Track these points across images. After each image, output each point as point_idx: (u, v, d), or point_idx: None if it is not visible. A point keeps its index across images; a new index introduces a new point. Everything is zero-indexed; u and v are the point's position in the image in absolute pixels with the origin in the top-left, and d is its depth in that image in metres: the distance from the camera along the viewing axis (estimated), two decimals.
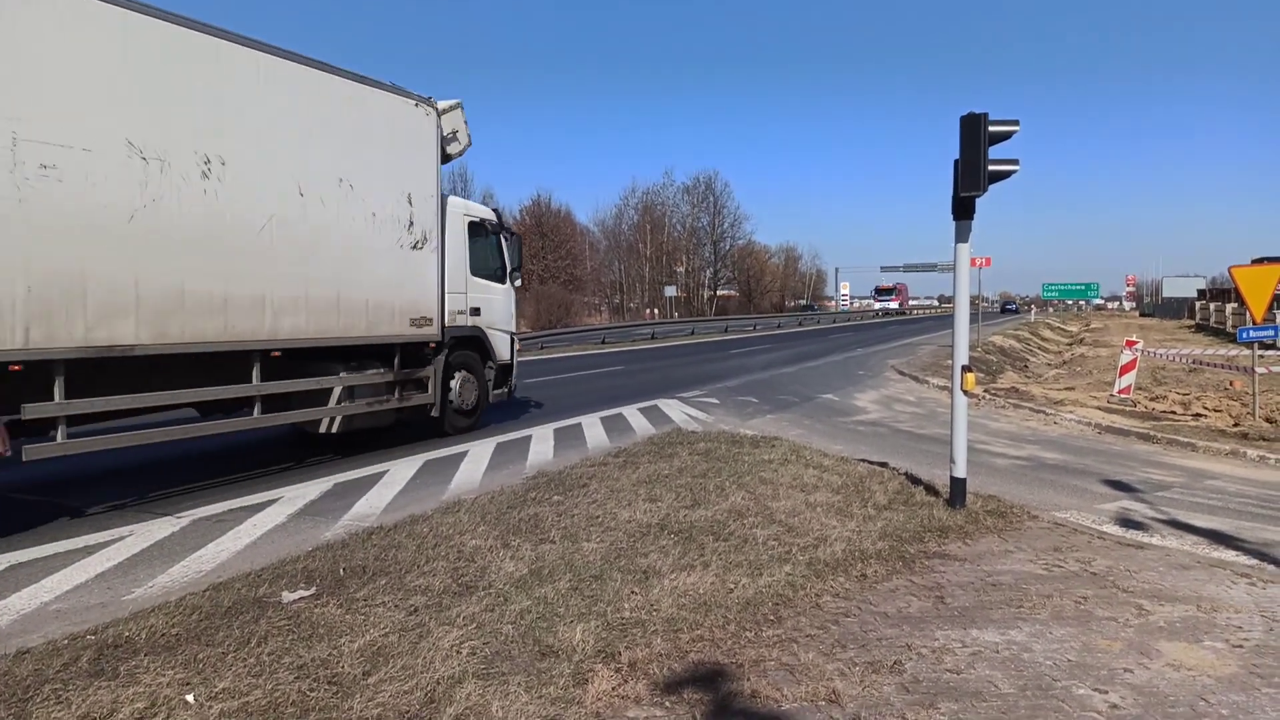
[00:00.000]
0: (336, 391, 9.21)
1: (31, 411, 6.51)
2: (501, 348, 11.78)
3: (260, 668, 3.90)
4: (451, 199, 10.94)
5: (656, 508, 6.79)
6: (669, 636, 4.33)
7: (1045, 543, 6.28)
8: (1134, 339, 15.91)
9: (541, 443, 10.42)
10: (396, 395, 9.97)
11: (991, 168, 6.64)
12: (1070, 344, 40.16)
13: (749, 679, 3.89)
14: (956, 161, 6.71)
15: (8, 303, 6.22)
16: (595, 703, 3.64)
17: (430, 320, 10.22)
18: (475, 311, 11.18)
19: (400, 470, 8.65)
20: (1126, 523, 7.08)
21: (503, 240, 11.98)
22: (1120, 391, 15.01)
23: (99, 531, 6.36)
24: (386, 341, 9.68)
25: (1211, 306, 45.05)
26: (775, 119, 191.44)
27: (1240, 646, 4.40)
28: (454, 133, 10.71)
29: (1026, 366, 27.06)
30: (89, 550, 5.90)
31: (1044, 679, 3.96)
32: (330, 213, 8.81)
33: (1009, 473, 9.18)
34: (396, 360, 9.95)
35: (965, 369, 7.08)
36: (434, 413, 10.49)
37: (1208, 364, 17.15)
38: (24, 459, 6.44)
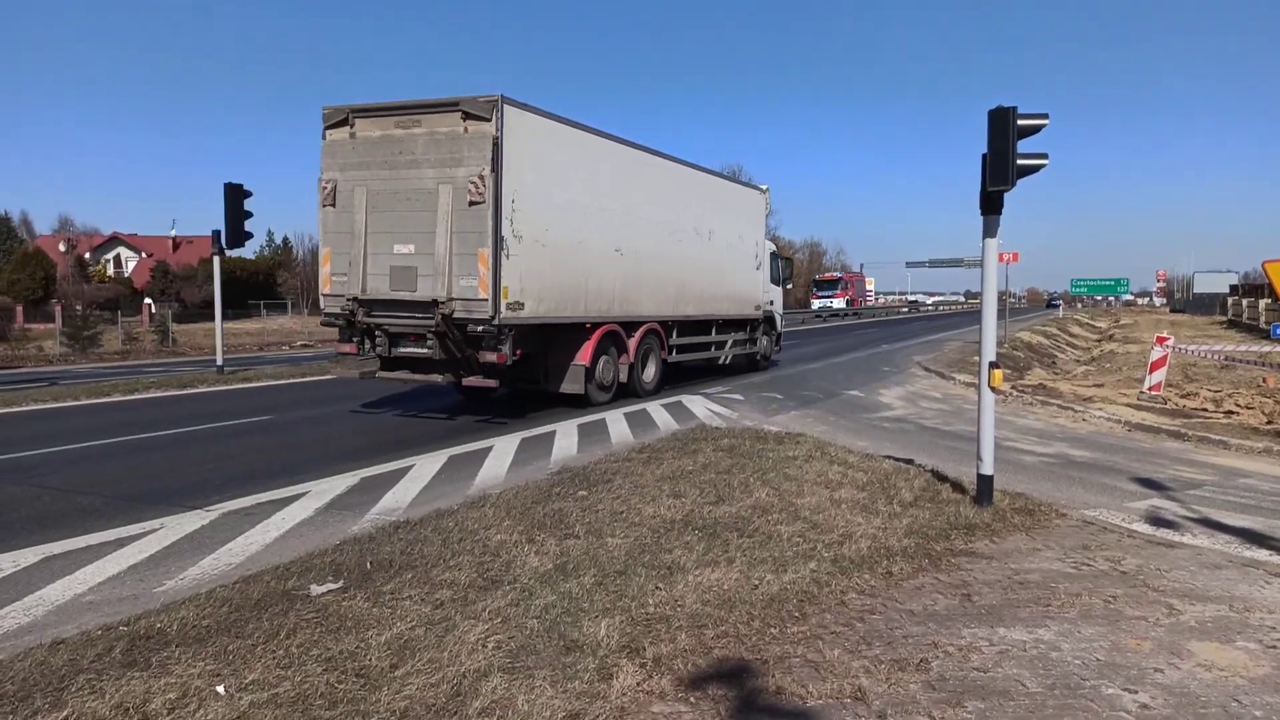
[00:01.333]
0: (729, 343, 17.88)
1: (670, 342, 15.11)
2: (778, 323, 20.78)
3: (289, 660, 3.95)
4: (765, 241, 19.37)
5: (680, 504, 6.80)
6: (693, 632, 4.33)
7: (1074, 541, 6.21)
8: (1165, 335, 15.67)
9: (565, 438, 10.46)
10: (746, 347, 18.70)
11: (1020, 162, 6.56)
12: (1099, 340, 39.63)
13: (773, 675, 3.88)
14: (984, 156, 6.63)
15: (667, 297, 14.83)
16: (620, 698, 3.65)
17: (759, 307, 18.79)
18: (770, 303, 19.68)
19: (425, 465, 8.72)
20: (1157, 521, 6.98)
21: (780, 262, 20.88)
22: (1150, 388, 14.79)
23: (131, 524, 6.47)
24: (744, 318, 18.27)
25: (1244, 302, 44.25)
26: (800, 112, 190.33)
27: (1274, 647, 4.33)
28: (767, 203, 19.56)
29: (1055, 363, 26.74)
30: (121, 543, 6.00)
31: (1072, 678, 3.92)
32: (734, 253, 17.48)
33: (1037, 470, 9.08)
34: (748, 328, 18.64)
35: (993, 365, 7.01)
36: (758, 358, 19.53)
37: (1240, 361, 16.84)
38: (670, 359, 15.31)
